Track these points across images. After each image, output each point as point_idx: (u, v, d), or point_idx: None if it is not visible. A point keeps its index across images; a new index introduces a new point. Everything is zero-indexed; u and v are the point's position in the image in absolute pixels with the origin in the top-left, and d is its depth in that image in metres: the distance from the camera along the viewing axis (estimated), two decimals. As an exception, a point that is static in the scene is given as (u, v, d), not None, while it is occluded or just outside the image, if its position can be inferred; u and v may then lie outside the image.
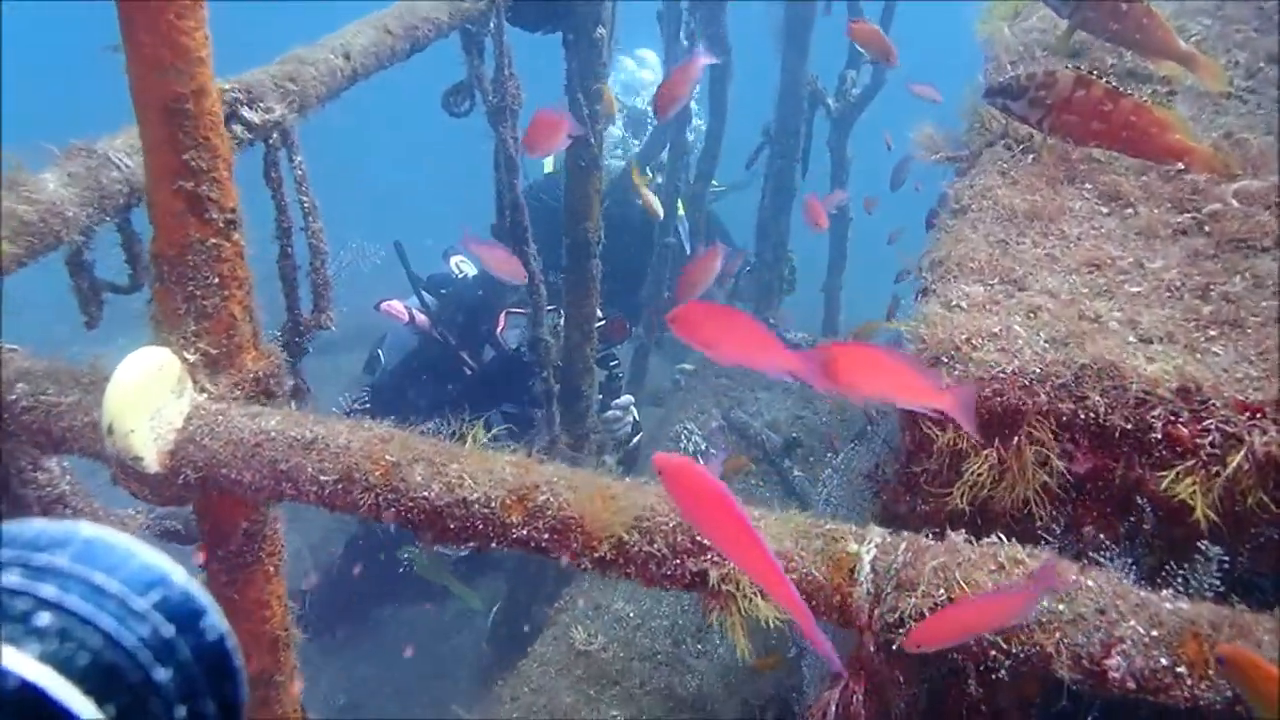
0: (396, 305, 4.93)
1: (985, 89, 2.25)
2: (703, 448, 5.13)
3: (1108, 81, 2.10)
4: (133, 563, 0.67)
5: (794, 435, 5.18)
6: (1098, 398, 1.54)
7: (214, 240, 1.68)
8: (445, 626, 6.65)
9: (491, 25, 3.39)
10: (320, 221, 2.51)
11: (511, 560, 5.12)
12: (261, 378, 1.80)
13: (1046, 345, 1.63)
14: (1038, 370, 1.58)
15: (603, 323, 4.30)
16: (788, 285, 6.11)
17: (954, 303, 1.75)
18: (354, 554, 5.52)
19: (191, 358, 1.69)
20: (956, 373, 1.62)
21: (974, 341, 1.64)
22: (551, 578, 4.76)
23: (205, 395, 1.72)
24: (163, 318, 1.71)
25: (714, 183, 6.78)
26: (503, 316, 4.90)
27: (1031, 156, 2.19)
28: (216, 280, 1.69)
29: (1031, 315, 1.71)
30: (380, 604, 5.69)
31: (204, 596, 0.69)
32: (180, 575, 0.69)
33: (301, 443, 1.60)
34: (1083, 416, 1.55)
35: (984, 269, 1.83)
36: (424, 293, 5.03)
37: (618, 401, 4.92)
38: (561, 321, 4.20)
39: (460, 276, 5.27)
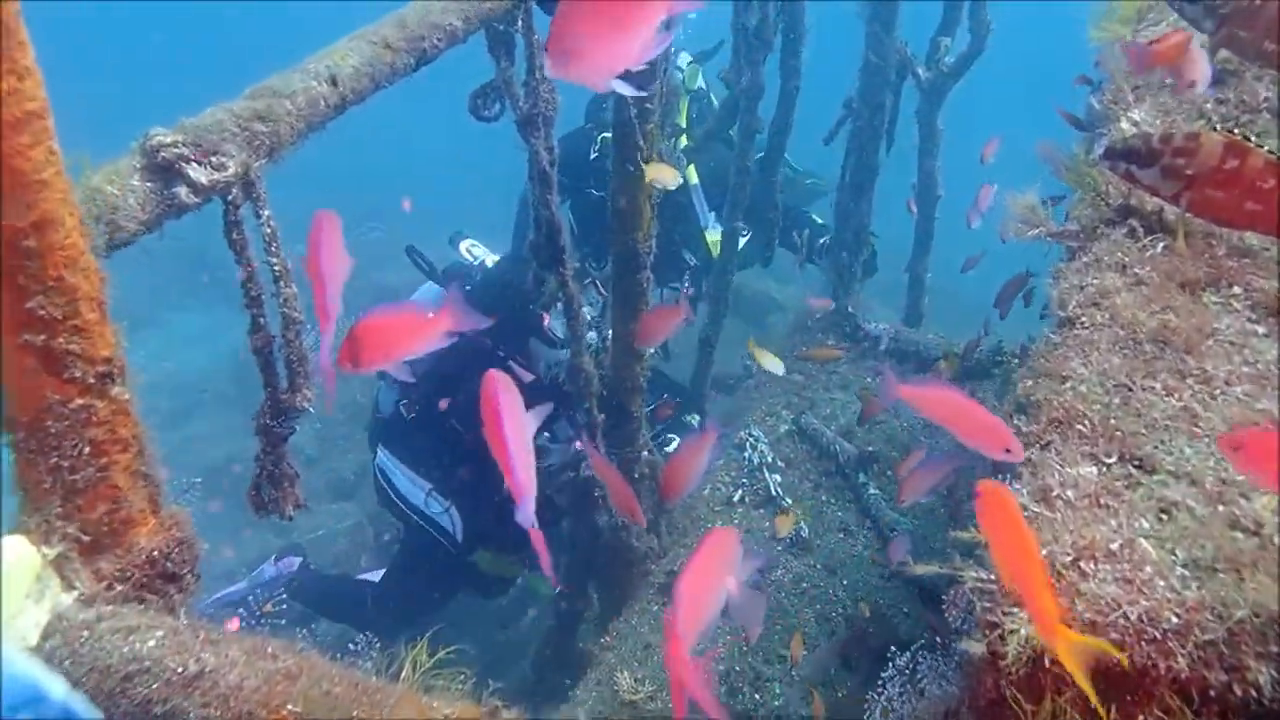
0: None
1: (1103, 149, 1.76)
2: (769, 459, 4.70)
3: (1270, 151, 1.59)
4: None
5: (870, 448, 4.72)
6: (1263, 670, 1.10)
7: (81, 401, 1.32)
8: (503, 614, 6.45)
9: (520, 20, 2.95)
10: (294, 286, 2.14)
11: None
12: (158, 557, 1.45)
13: (1186, 575, 1.18)
14: (1174, 619, 1.14)
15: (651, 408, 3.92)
16: (868, 270, 5.59)
17: (1054, 492, 1.30)
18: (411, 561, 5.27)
19: (54, 550, 1.34)
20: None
21: (1084, 564, 1.20)
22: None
23: (75, 595, 1.37)
24: (24, 495, 1.36)
25: (812, 176, 6.29)
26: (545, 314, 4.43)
27: (1163, 245, 1.69)
28: (88, 449, 1.34)
29: (1164, 518, 1.26)
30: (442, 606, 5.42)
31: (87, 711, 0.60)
32: (59, 690, 0.68)
33: (183, 678, 1.24)
34: (1239, 694, 1.11)
35: (1097, 432, 1.38)
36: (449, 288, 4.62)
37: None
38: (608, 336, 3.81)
39: (478, 263, 4.84)
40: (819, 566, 4.27)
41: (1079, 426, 1.38)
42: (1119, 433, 1.36)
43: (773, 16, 4.66)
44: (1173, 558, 1.20)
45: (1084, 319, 1.59)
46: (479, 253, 4.91)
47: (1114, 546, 1.22)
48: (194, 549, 1.55)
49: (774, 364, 4.60)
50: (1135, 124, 1.94)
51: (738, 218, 5.19)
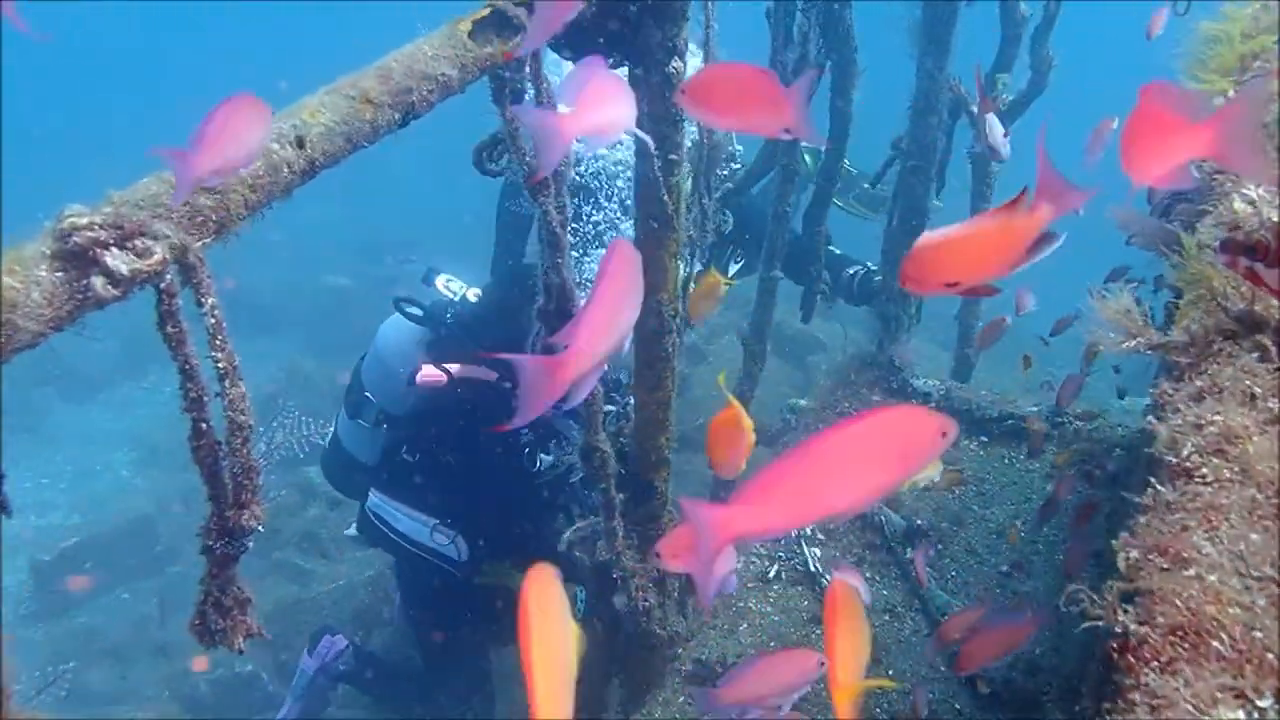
0: (429, 370, 4.33)
1: (1221, 242, 1.40)
2: (808, 531, 4.33)
3: None
4: None
5: (919, 521, 4.33)
6: None
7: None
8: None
9: (529, 67, 2.64)
10: (242, 385, 1.82)
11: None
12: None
13: None
14: None
15: None
16: (913, 319, 5.21)
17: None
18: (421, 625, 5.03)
19: None
20: None
21: None
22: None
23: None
24: None
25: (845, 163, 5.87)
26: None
27: (1304, 369, 1.33)
28: None
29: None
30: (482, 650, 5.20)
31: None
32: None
33: None
34: None
35: (1236, 651, 1.01)
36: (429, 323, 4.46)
37: None
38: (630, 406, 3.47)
39: (459, 298, 4.61)
40: (862, 654, 3.89)
41: (1215, 644, 1.02)
42: (1271, 656, 1.00)
43: (814, 55, 4.32)
44: None
45: (1205, 472, 1.23)
46: (456, 287, 4.69)
47: None
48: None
49: None
50: (1253, 204, 1.58)
51: (775, 266, 4.84)
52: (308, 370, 10.49)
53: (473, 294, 4.60)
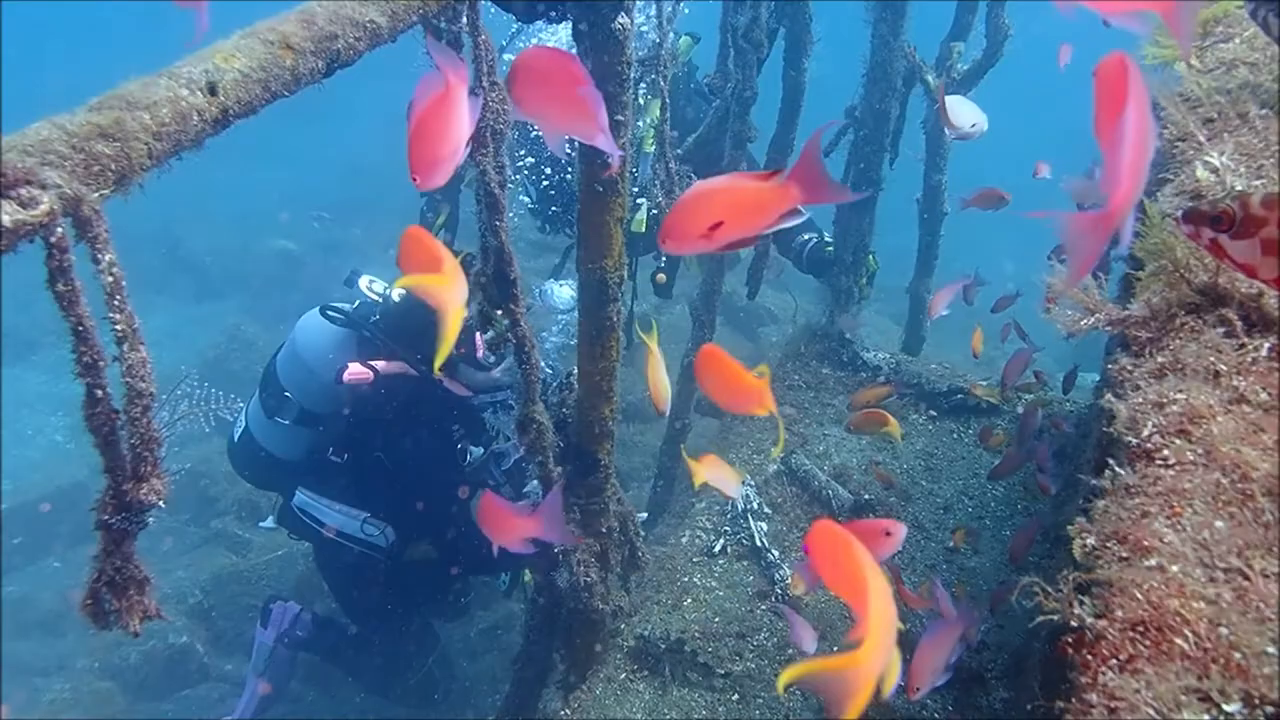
0: (355, 367, 4.37)
1: (1184, 212, 1.32)
2: (754, 505, 4.26)
3: None
4: None
5: (866, 495, 4.28)
6: None
7: None
8: (472, 645, 6.05)
9: (466, 17, 2.50)
10: (142, 349, 1.69)
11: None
12: None
13: None
14: None
15: None
16: (864, 292, 5.14)
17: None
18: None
19: None
20: None
21: None
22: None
23: None
24: None
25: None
26: (479, 337, 4.27)
27: (1269, 347, 1.25)
28: None
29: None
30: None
31: None
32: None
33: None
34: None
35: (1201, 649, 0.94)
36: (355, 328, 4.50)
37: None
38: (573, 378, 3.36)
39: (381, 300, 4.60)
40: (806, 630, 3.84)
41: (1179, 641, 0.94)
42: (1239, 656, 0.92)
43: (765, 18, 4.20)
44: None
45: (1168, 454, 1.15)
46: (379, 288, 4.67)
47: None
48: None
49: (726, 483, 3.24)
50: (1216, 172, 1.50)
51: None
52: (250, 335, 10.23)
53: (396, 293, 4.56)
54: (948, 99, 3.41)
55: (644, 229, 5.05)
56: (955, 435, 4.73)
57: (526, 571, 4.86)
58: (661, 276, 4.82)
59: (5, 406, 10.51)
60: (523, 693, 3.93)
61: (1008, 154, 11.81)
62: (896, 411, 4.82)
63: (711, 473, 3.08)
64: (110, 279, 1.65)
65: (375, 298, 4.63)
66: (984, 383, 4.79)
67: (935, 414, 4.83)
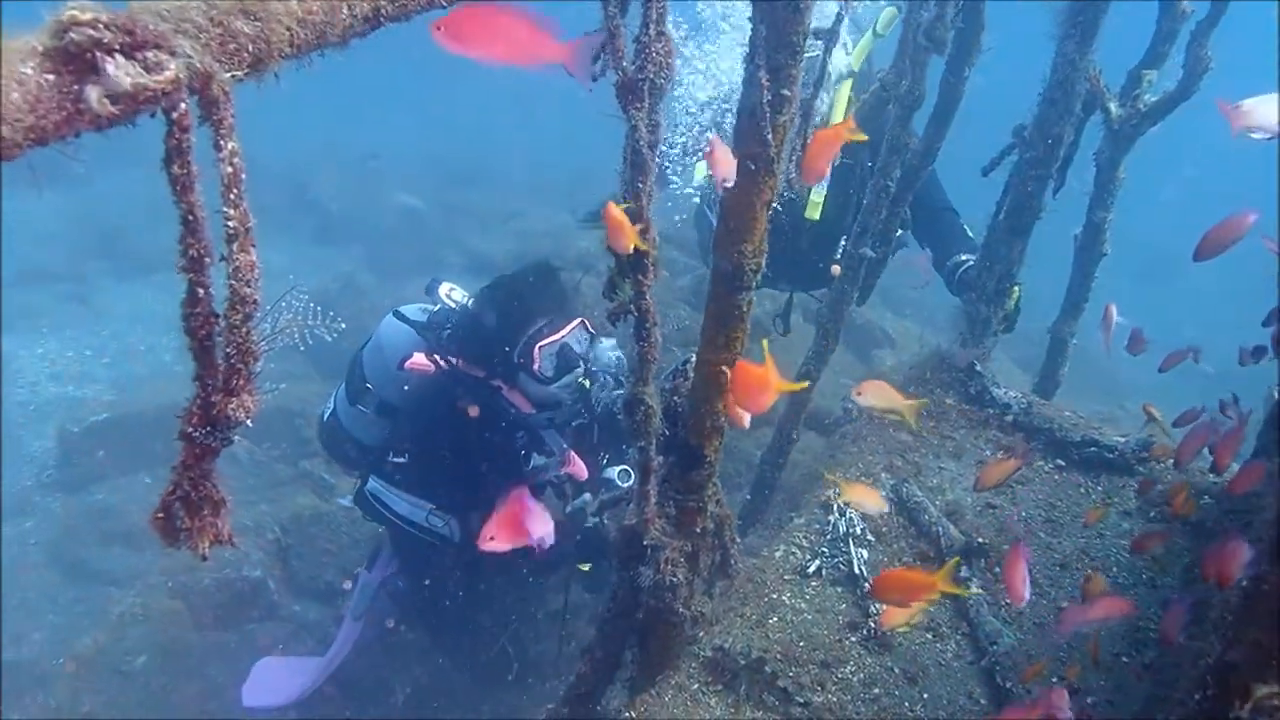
0: (419, 357, 4.58)
1: None
2: (857, 530, 4.00)
3: None
4: None
5: (979, 540, 3.98)
6: None
7: None
8: (538, 628, 5.90)
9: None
10: (253, 252, 1.54)
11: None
12: None
13: None
14: None
15: None
16: (1005, 325, 4.82)
17: None
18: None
19: None
20: None
21: None
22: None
23: None
24: None
25: None
26: (537, 350, 4.42)
27: None
28: None
29: None
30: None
31: None
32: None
33: None
34: None
35: None
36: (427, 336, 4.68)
37: None
38: (690, 365, 3.16)
39: (459, 306, 4.71)
40: (897, 671, 3.57)
41: None
42: None
43: (950, 16, 3.94)
44: None
45: None
46: (459, 297, 4.78)
47: None
48: None
49: (869, 505, 3.61)
50: None
51: (865, 244, 4.48)
52: (363, 284, 10.29)
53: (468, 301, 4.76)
54: (1249, 101, 3.03)
55: (818, 215, 4.89)
56: (1082, 490, 4.38)
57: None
58: (837, 269, 4.70)
59: (121, 321, 10.77)
60: (587, 686, 3.74)
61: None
62: (1023, 453, 4.50)
63: (856, 495, 3.17)
64: (230, 169, 1.50)
65: (452, 305, 4.72)
66: (1121, 440, 4.43)
67: (1063, 464, 4.49)
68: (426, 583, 5.03)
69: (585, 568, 4.87)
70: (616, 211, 2.43)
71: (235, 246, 1.52)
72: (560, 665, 5.40)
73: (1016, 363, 9.67)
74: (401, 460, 4.76)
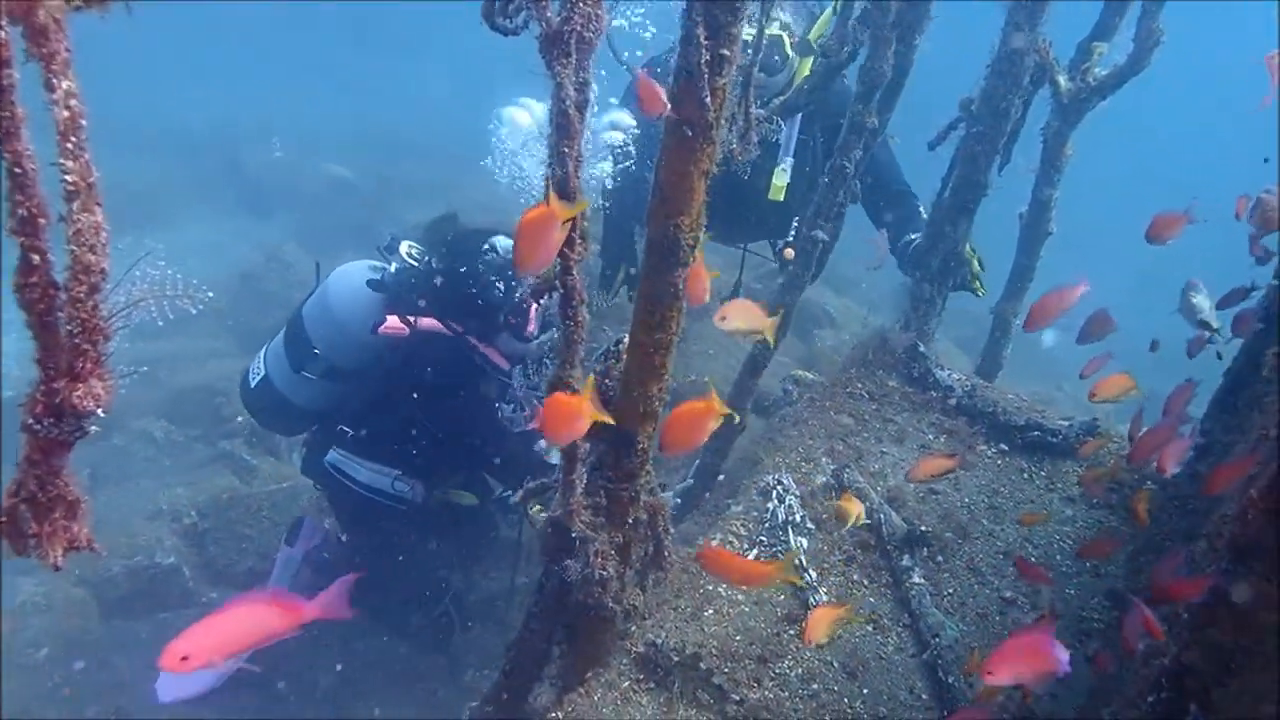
0: (394, 321, 4.45)
1: None
2: (796, 518, 3.85)
3: None
4: None
5: (922, 527, 3.85)
6: None
7: None
8: (467, 612, 5.69)
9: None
10: (98, 213, 1.31)
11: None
12: None
13: None
14: None
15: None
16: (979, 287, 4.61)
17: None
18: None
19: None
20: None
21: None
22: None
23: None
24: None
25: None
26: (532, 310, 4.39)
27: None
28: None
29: None
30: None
31: None
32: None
33: None
34: None
35: None
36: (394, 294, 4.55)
37: None
38: (622, 346, 2.96)
39: (422, 265, 4.57)
40: (836, 665, 3.42)
41: None
42: None
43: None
44: None
45: None
46: (418, 254, 4.64)
47: None
48: None
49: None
50: None
51: (817, 225, 4.30)
52: (290, 257, 9.91)
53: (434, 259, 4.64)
54: None
55: (782, 197, 4.74)
56: (1025, 475, 4.27)
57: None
58: (790, 251, 4.59)
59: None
60: (513, 682, 3.54)
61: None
62: (964, 439, 4.38)
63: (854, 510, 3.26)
64: (65, 113, 1.26)
65: (414, 263, 4.58)
66: (1065, 423, 4.33)
67: (1006, 449, 4.37)
68: (375, 547, 4.86)
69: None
70: (648, 80, 2.37)
71: (76, 205, 1.29)
72: (512, 602, 5.34)
73: (955, 342, 9.60)
74: (361, 430, 4.67)
